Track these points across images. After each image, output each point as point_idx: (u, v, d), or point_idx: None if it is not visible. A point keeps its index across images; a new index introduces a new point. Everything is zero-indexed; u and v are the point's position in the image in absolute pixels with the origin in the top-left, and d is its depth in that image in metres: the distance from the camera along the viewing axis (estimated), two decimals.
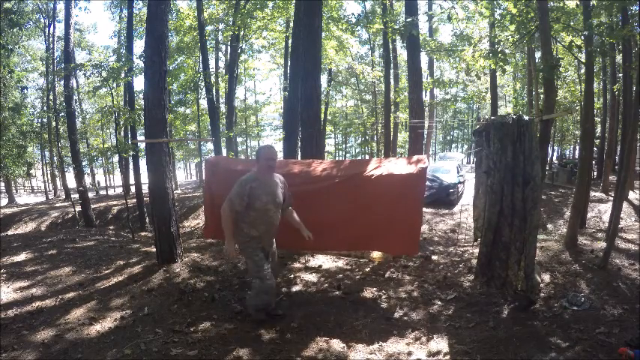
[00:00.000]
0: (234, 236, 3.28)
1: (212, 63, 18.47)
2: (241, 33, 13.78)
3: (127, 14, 11.64)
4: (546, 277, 4.09)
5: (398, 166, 4.09)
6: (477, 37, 9.60)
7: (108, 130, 26.31)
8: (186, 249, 5.84)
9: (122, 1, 16.71)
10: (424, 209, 9.32)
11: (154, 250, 5.32)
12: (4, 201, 20.01)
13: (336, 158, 28.05)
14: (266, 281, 3.30)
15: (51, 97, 17.47)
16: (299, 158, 6.99)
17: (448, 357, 2.90)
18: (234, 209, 3.22)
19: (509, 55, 9.52)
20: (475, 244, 5.38)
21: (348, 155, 30.74)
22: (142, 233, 9.26)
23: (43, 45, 20.04)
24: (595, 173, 13.67)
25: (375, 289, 4.26)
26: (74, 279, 4.68)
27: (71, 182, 17.07)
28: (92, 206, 12.31)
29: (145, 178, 6.36)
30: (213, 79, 13.88)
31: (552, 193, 11.38)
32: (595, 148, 13.96)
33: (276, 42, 16.44)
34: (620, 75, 11.52)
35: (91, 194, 15.89)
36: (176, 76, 14.86)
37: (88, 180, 20.11)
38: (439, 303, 3.87)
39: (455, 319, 3.48)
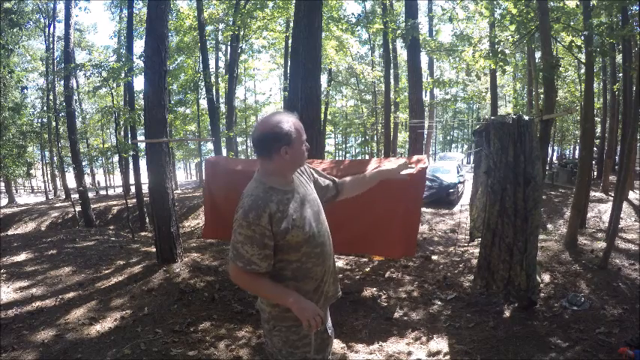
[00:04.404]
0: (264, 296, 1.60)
1: (212, 63, 18.51)
2: (241, 33, 13.79)
3: (127, 14, 11.65)
4: (546, 277, 4.08)
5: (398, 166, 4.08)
6: (477, 37, 9.60)
7: (108, 130, 26.37)
8: (186, 249, 5.84)
9: (122, 1, 16.71)
10: (424, 209, 9.37)
11: (154, 250, 5.32)
12: (4, 201, 20.01)
13: (336, 158, 28.05)
14: None
15: (51, 97, 17.47)
16: None
17: (448, 357, 2.90)
18: (259, 272, 1.48)
19: (509, 55, 9.51)
20: (472, 243, 5.39)
21: (348, 155, 30.72)
22: (142, 233, 9.26)
23: (43, 45, 20.07)
24: (595, 173, 13.66)
25: (375, 289, 4.26)
26: (74, 279, 4.69)
27: (71, 182, 17.08)
28: (92, 206, 12.32)
29: (145, 178, 6.37)
30: (213, 79, 13.92)
31: (552, 193, 11.38)
32: (595, 148, 13.95)
33: (276, 42, 16.46)
34: (620, 75, 11.53)
35: (91, 194, 15.90)
36: (176, 76, 14.90)
37: (88, 180, 20.13)
38: (439, 303, 3.87)
39: (455, 319, 3.48)
